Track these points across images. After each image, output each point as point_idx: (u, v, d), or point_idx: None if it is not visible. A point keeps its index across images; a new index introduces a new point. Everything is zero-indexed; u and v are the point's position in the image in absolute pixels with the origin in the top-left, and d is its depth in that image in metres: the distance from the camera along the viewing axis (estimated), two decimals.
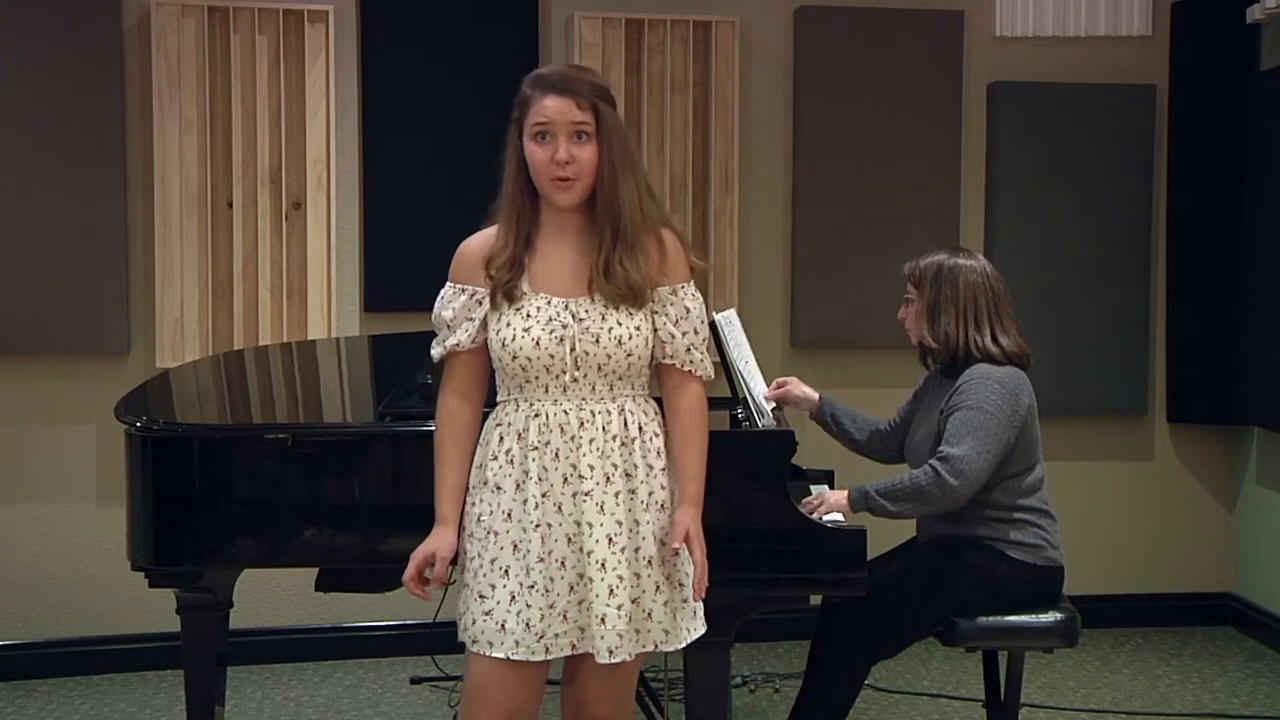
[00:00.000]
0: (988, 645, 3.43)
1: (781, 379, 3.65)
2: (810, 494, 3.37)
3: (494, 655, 2.46)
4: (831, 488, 3.55)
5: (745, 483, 2.92)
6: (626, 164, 2.49)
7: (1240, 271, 4.97)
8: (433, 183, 4.69)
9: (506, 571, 2.47)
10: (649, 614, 2.49)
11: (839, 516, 3.19)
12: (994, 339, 3.34)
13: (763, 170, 4.94)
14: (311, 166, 4.60)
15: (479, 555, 2.50)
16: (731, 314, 3.60)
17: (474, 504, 2.54)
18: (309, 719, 4.26)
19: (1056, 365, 4.68)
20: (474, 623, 2.49)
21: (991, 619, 3.29)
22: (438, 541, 2.54)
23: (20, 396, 4.59)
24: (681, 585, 2.55)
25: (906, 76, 4.90)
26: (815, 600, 3.25)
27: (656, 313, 2.52)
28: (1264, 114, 4.84)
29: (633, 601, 2.47)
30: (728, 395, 3.50)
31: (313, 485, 2.98)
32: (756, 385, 3.46)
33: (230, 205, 4.57)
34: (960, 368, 3.35)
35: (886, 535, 3.50)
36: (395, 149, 4.71)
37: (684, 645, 2.56)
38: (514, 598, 2.45)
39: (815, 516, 3.08)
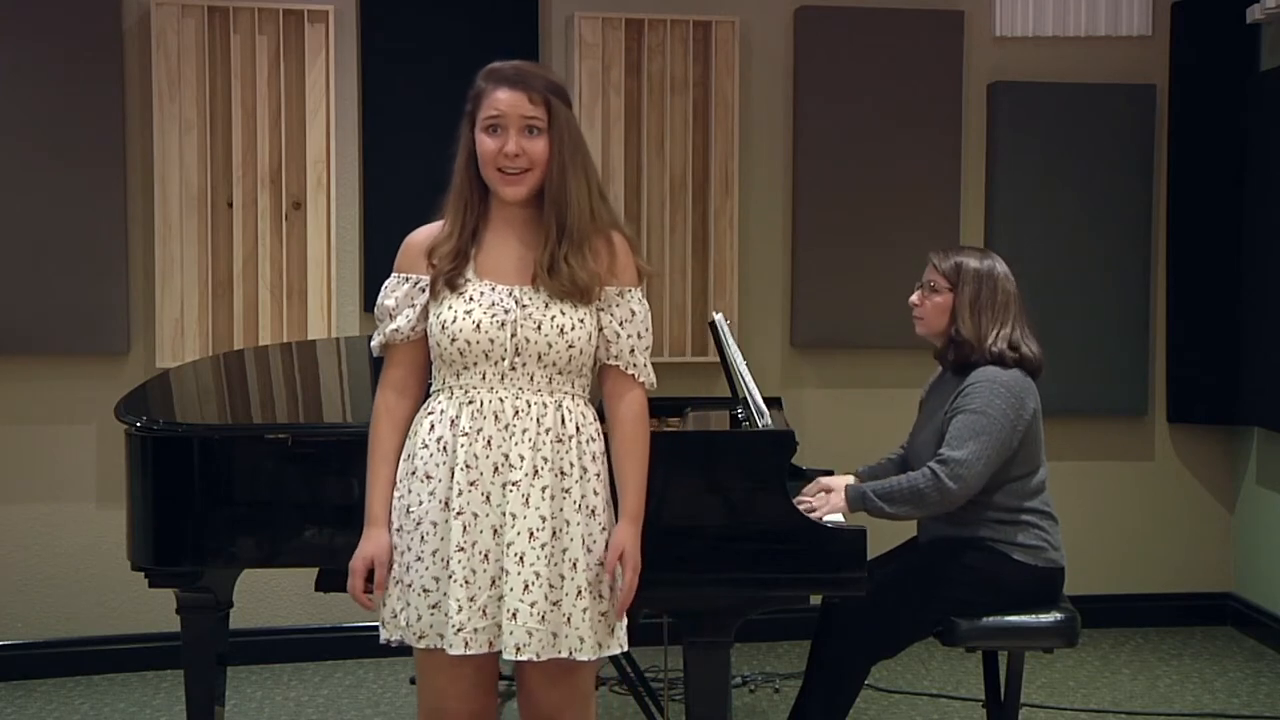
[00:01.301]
0: (988, 645, 3.43)
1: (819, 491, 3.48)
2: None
3: (419, 645, 2.44)
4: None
5: (745, 483, 2.91)
6: (578, 162, 2.47)
7: (1240, 271, 4.97)
8: (433, 183, 4.65)
9: (446, 563, 2.43)
10: (568, 619, 2.43)
11: (839, 516, 3.19)
12: (1014, 345, 3.35)
13: (763, 170, 4.94)
14: (311, 166, 4.60)
15: (414, 547, 2.47)
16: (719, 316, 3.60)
17: (401, 495, 2.51)
18: (309, 719, 4.26)
19: (1056, 365, 4.66)
20: (419, 617, 2.46)
21: (991, 619, 3.30)
22: (373, 547, 2.51)
23: (20, 396, 4.59)
24: (602, 597, 2.48)
25: (906, 76, 4.90)
26: (815, 600, 3.25)
27: (603, 310, 2.50)
28: (1264, 114, 4.84)
29: (553, 604, 2.42)
30: (728, 395, 3.50)
31: (313, 485, 2.98)
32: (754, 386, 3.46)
33: (230, 205, 4.57)
34: (971, 369, 3.35)
35: (886, 535, 3.50)
36: (395, 149, 4.71)
37: (596, 658, 2.48)
38: (446, 592, 2.42)
39: (815, 516, 3.08)
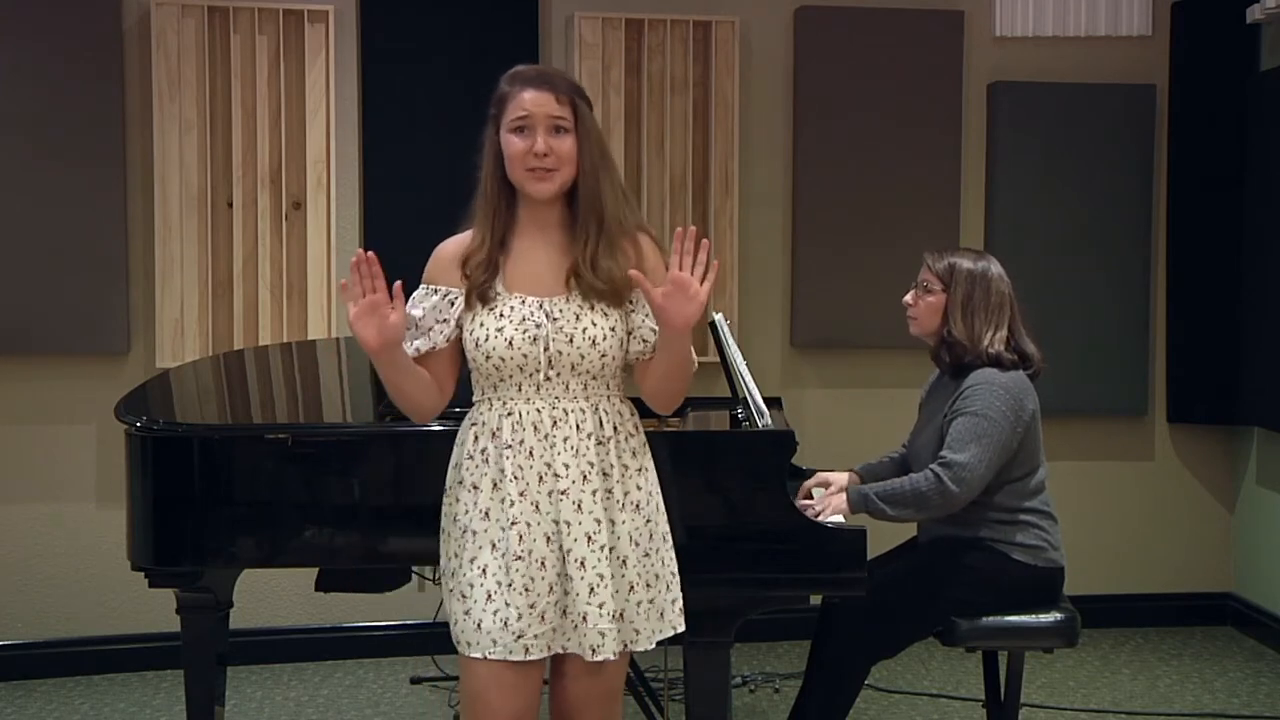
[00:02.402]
0: (988, 645, 3.43)
1: (815, 486, 3.50)
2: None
3: (472, 655, 2.44)
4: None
5: (745, 483, 2.92)
6: (606, 163, 2.49)
7: (1240, 271, 4.97)
8: (433, 183, 4.68)
9: (485, 570, 2.45)
10: (620, 614, 2.46)
11: (839, 517, 3.19)
12: (1010, 346, 3.36)
13: (763, 170, 4.94)
14: (311, 166, 4.60)
15: (456, 555, 2.49)
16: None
17: (449, 504, 2.54)
18: (309, 719, 4.26)
19: (1056, 365, 4.65)
20: (455, 623, 2.48)
21: (991, 619, 3.30)
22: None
23: (20, 396, 4.59)
24: (651, 585, 2.51)
25: (906, 76, 4.90)
26: (815, 600, 3.25)
27: (634, 311, 2.51)
28: (1264, 114, 4.83)
29: (600, 602, 2.44)
30: (728, 395, 3.50)
31: (313, 485, 2.98)
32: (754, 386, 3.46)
33: (230, 205, 4.57)
34: (968, 371, 3.35)
35: (886, 535, 3.50)
36: (395, 149, 4.71)
37: (655, 645, 2.52)
38: (490, 596, 2.43)
39: (815, 515, 3.09)
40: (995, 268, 3.42)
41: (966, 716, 4.24)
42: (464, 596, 2.46)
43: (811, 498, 3.38)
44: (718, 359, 3.59)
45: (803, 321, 4.95)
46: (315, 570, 3.31)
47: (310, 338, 4.58)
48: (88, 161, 4.48)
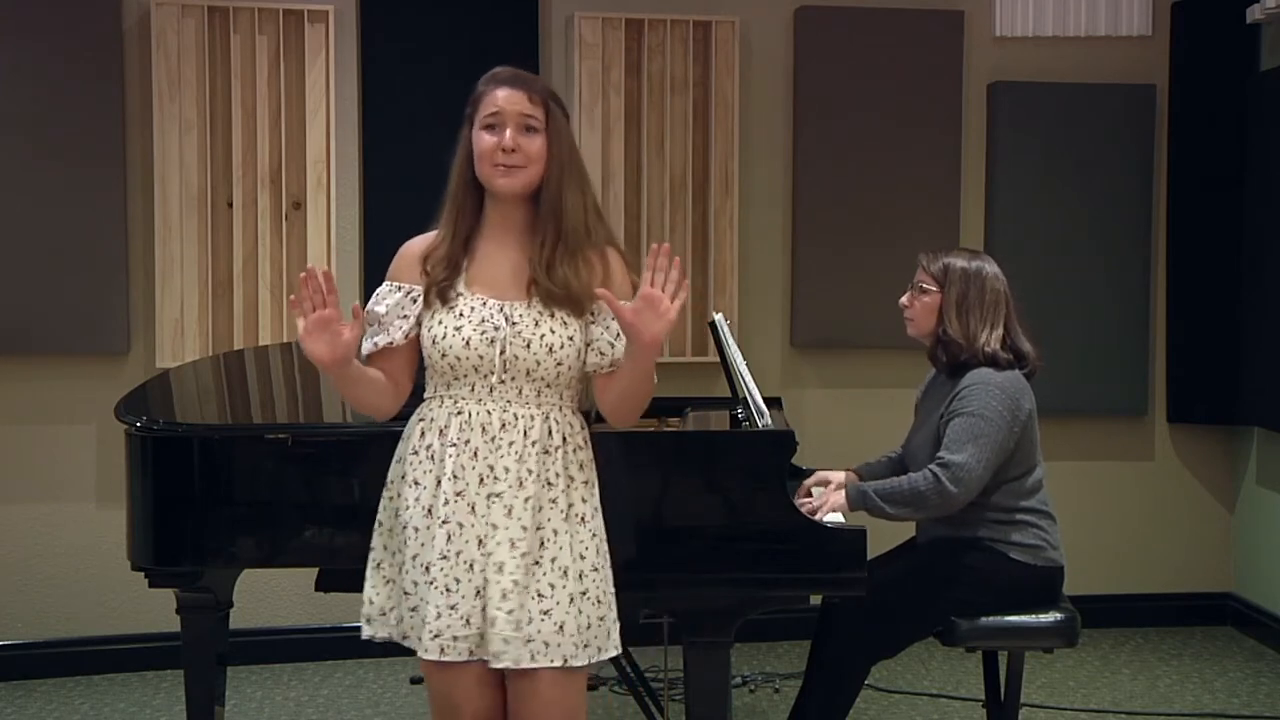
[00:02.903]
0: (988, 645, 3.43)
1: (814, 485, 3.49)
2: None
3: (424, 654, 2.44)
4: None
5: (745, 483, 2.92)
6: (574, 171, 2.48)
7: (1240, 271, 4.97)
8: (433, 183, 4.65)
9: (427, 568, 2.45)
10: (560, 626, 2.41)
11: (839, 516, 3.19)
12: (1006, 345, 3.36)
13: (763, 170, 4.94)
14: (311, 166, 4.60)
15: (399, 550, 2.49)
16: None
17: (391, 499, 2.53)
18: (309, 719, 4.26)
19: (1056, 365, 4.67)
20: (402, 619, 2.48)
21: (991, 619, 3.30)
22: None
23: (20, 396, 4.59)
24: (598, 602, 2.47)
25: (906, 76, 4.90)
26: (815, 600, 3.25)
27: (594, 323, 2.49)
28: (1264, 114, 4.84)
29: (544, 613, 2.41)
30: (728, 395, 3.50)
31: (313, 485, 2.98)
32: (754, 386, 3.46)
33: (230, 205, 4.57)
34: (964, 370, 3.35)
35: (886, 535, 3.50)
36: (395, 149, 4.71)
37: (590, 664, 2.47)
38: (425, 598, 2.43)
39: (816, 514, 3.09)
40: (990, 267, 3.42)
41: (966, 716, 4.24)
42: (407, 594, 2.47)
43: (811, 496, 3.38)
44: (718, 359, 3.59)
45: (803, 321, 4.95)
46: (315, 570, 3.30)
47: None
48: (88, 161, 4.48)
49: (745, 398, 3.30)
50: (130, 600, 4.57)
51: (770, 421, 3.20)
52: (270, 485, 2.99)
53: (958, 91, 4.97)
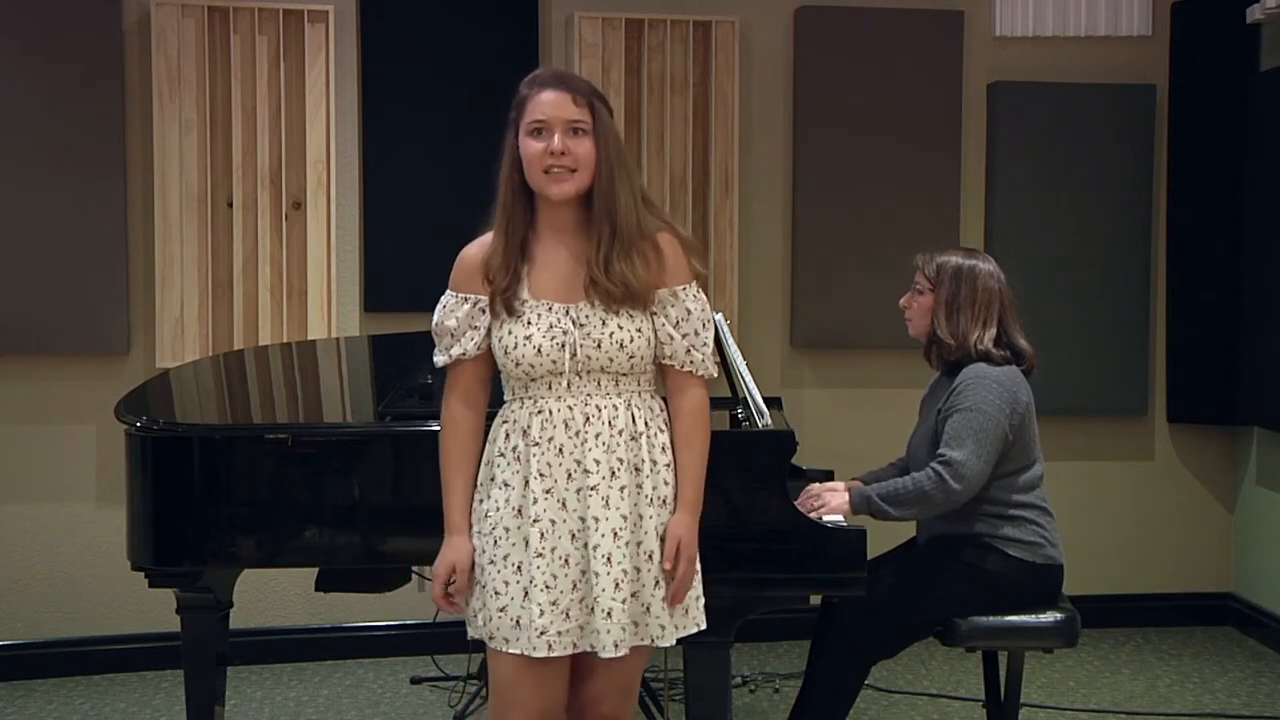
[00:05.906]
0: (988, 645, 3.43)
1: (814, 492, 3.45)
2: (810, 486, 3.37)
3: (510, 652, 2.46)
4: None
5: (745, 483, 2.92)
6: (623, 167, 2.49)
7: (1240, 271, 4.97)
8: (432, 182, 4.69)
9: (519, 568, 2.47)
10: (647, 608, 2.48)
11: (839, 517, 3.19)
12: (1000, 343, 3.36)
13: (763, 170, 4.94)
14: (311, 166, 4.60)
15: (489, 550, 2.51)
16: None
17: (481, 501, 2.55)
18: (309, 719, 4.26)
19: (1056, 365, 4.68)
20: (490, 619, 2.49)
21: (991, 619, 3.30)
22: (454, 553, 2.54)
23: (20, 396, 4.59)
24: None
25: (906, 76, 4.90)
26: (815, 600, 3.25)
27: (656, 314, 2.51)
28: (1264, 114, 4.83)
29: (633, 595, 2.47)
30: (728, 395, 3.50)
31: (313, 485, 2.98)
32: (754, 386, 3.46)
33: (230, 205, 4.57)
34: (960, 368, 3.35)
35: (886, 535, 3.50)
36: (395, 149, 4.71)
37: (678, 640, 2.55)
38: (527, 593, 2.45)
39: (815, 516, 3.08)
40: (985, 265, 3.41)
41: (966, 716, 4.24)
42: (497, 594, 2.48)
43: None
44: (718, 359, 3.58)
45: (803, 321, 4.95)
46: (315, 570, 3.30)
47: (310, 338, 4.58)
48: (88, 161, 4.48)
49: (745, 397, 3.30)
50: (130, 600, 4.57)
51: (770, 421, 3.20)
52: (270, 485, 2.98)
53: (957, 91, 4.97)
